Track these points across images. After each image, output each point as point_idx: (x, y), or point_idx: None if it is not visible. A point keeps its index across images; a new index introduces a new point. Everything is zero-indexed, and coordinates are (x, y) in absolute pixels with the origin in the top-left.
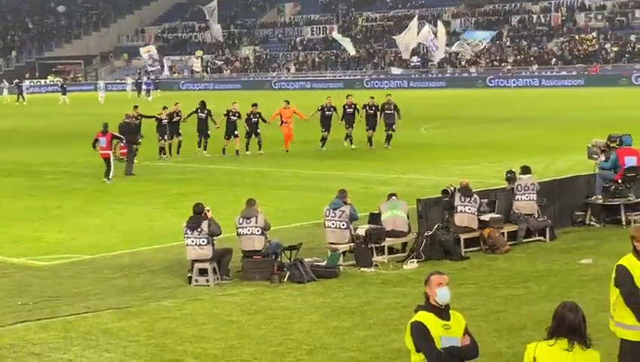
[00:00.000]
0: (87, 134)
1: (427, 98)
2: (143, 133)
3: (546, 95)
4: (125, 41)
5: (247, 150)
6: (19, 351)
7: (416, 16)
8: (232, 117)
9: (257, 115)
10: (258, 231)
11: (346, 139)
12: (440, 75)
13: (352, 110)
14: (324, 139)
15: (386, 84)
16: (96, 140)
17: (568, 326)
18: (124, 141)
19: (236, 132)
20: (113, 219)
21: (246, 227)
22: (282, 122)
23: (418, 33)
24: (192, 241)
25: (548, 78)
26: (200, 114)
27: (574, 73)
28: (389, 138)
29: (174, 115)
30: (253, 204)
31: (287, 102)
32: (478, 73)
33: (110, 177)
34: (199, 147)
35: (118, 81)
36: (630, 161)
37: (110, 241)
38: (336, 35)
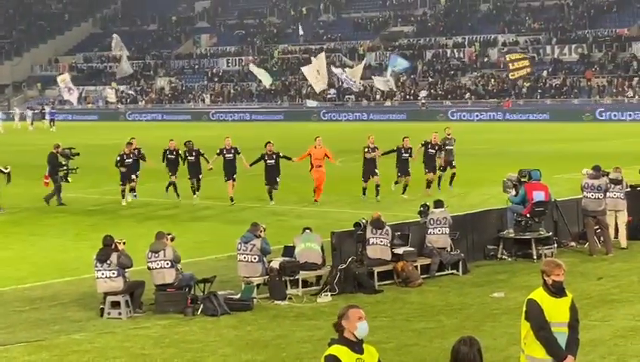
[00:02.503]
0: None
1: (341, 131)
2: (75, 166)
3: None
4: (39, 70)
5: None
6: None
7: (324, 52)
8: (227, 155)
9: (275, 156)
10: (167, 264)
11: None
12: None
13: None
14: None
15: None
16: None
17: (462, 360)
18: (47, 171)
19: (234, 175)
20: (24, 250)
21: (155, 261)
22: (312, 166)
23: (327, 67)
24: (102, 274)
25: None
26: (190, 157)
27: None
28: (452, 176)
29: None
30: (162, 237)
31: (319, 139)
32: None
33: None
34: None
35: (31, 111)
36: (538, 195)
37: (20, 274)
38: (252, 67)
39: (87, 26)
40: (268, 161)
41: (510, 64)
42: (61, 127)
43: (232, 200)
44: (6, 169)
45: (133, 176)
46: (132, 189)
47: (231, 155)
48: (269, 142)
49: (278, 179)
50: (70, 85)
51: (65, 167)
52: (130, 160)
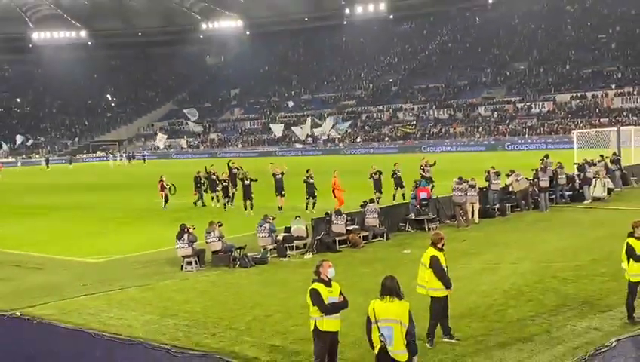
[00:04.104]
0: (120, 185)
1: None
2: (208, 184)
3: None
4: (142, 130)
5: (311, 208)
6: (81, 313)
7: (309, 117)
8: (277, 176)
9: (311, 178)
10: (216, 239)
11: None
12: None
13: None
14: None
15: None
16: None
17: (388, 288)
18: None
19: (283, 192)
20: (138, 233)
21: (209, 238)
22: (336, 189)
23: (312, 126)
24: (179, 246)
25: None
26: (246, 181)
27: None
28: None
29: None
30: (212, 224)
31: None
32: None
33: (164, 206)
34: (245, 209)
35: (135, 155)
36: (423, 194)
37: (135, 247)
38: (272, 126)
39: (169, 104)
40: (310, 180)
41: (402, 129)
42: (144, 163)
43: (280, 208)
44: (167, 185)
45: (231, 194)
46: (225, 203)
47: (280, 176)
48: (309, 169)
49: (283, 192)
50: (162, 138)
51: (204, 184)
52: (226, 183)
